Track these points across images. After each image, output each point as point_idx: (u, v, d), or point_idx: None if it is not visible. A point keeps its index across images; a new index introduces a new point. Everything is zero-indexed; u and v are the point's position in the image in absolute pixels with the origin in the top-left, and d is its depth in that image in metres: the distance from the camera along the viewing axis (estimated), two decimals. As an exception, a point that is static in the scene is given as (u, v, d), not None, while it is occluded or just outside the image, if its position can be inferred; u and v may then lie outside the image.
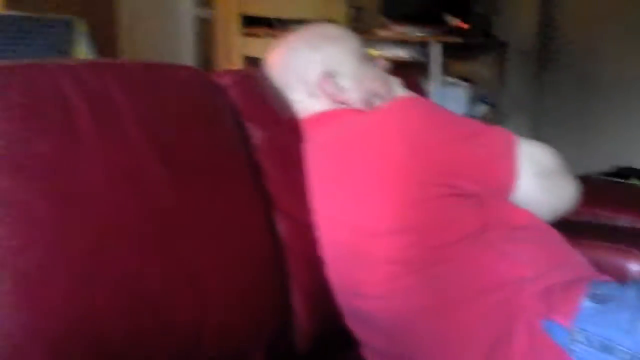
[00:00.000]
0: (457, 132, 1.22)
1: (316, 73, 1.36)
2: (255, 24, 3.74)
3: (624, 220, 2.09)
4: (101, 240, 1.01)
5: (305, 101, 1.37)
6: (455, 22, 3.81)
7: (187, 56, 5.74)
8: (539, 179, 1.23)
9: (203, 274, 1.11)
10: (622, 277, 1.23)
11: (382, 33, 3.84)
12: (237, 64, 3.06)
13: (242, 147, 1.26)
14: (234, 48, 3.05)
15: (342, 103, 1.36)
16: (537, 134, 3.75)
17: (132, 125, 1.08)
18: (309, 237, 1.29)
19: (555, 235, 1.25)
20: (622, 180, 2.64)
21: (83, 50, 3.24)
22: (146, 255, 1.05)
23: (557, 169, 1.26)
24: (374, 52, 3.74)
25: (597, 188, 2.40)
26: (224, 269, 1.14)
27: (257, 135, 1.29)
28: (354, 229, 1.22)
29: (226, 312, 1.13)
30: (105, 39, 4.89)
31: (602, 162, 3.05)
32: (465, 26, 3.74)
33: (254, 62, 3.25)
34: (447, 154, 1.19)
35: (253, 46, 3.08)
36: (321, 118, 1.35)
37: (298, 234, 1.28)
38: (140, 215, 1.05)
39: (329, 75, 1.35)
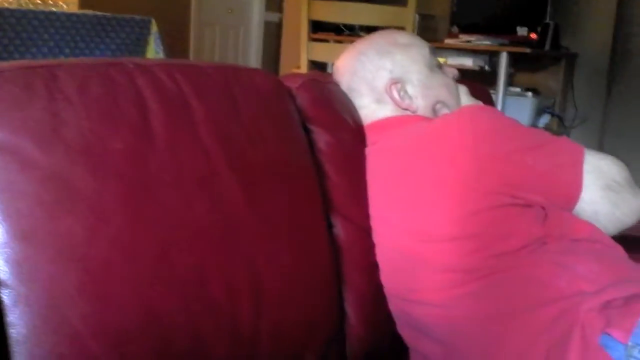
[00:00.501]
0: (523, 142, 1.21)
1: (384, 79, 1.37)
2: (323, 29, 3.77)
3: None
4: (168, 240, 1.01)
5: (372, 107, 1.38)
6: (524, 32, 3.78)
7: (255, 59, 5.83)
8: (605, 192, 1.21)
9: (263, 276, 1.11)
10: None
11: (451, 41, 3.83)
12: (304, 68, 3.08)
13: (308, 151, 1.27)
14: (301, 52, 3.07)
15: (408, 110, 1.37)
16: (602, 147, 3.68)
17: (204, 127, 1.09)
18: (366, 243, 1.30)
19: (618, 250, 1.23)
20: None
21: (154, 50, 3.32)
22: (211, 256, 1.06)
23: (624, 182, 1.24)
24: (440, 60, 3.74)
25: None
26: (283, 272, 1.15)
27: (322, 139, 1.30)
28: (413, 235, 1.22)
29: (282, 313, 1.14)
30: (176, 39, 5.00)
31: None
32: (534, 36, 3.69)
33: (320, 67, 3.28)
34: (512, 164, 1.18)
35: (320, 51, 3.09)
36: (386, 124, 1.36)
37: (356, 239, 1.29)
38: (207, 217, 1.06)
39: (397, 82, 1.37)
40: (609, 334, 1.08)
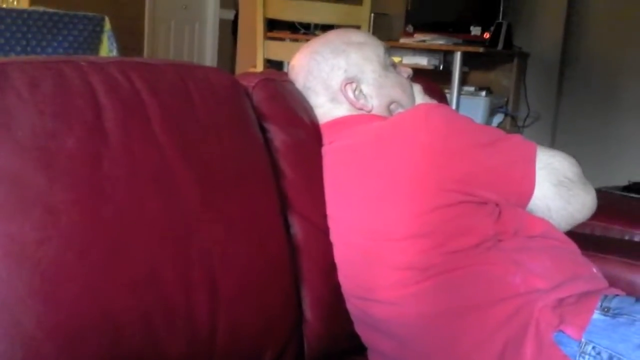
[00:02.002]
0: (477, 140, 1.23)
1: (339, 79, 1.37)
2: (279, 27, 3.76)
3: (637, 235, 2.09)
4: (121, 238, 1.00)
5: (327, 106, 1.38)
6: (477, 32, 3.82)
7: (210, 56, 5.79)
8: (557, 188, 1.23)
9: (219, 274, 1.11)
10: (634, 292, 1.23)
11: (406, 41, 3.86)
12: (260, 67, 3.07)
13: (264, 149, 1.27)
14: (257, 51, 3.06)
15: (363, 109, 1.37)
16: (554, 145, 3.75)
17: (158, 124, 1.09)
18: (323, 241, 1.29)
19: (571, 247, 1.26)
20: (637, 196, 2.63)
21: (107, 48, 3.28)
22: (165, 254, 1.05)
23: (576, 178, 1.26)
24: (395, 59, 3.76)
25: (611, 202, 2.40)
26: (239, 270, 1.14)
27: (277, 138, 1.30)
28: (370, 234, 1.23)
29: (239, 311, 1.13)
30: (130, 36, 4.95)
31: (619, 176, 3.04)
32: (487, 36, 3.74)
33: (276, 65, 3.28)
34: (467, 162, 1.19)
35: (276, 49, 3.09)
36: (341, 123, 1.36)
37: (313, 238, 1.29)
38: (162, 215, 1.06)
39: (352, 82, 1.37)
40: (562, 331, 1.09)
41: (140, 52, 5.25)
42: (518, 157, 1.23)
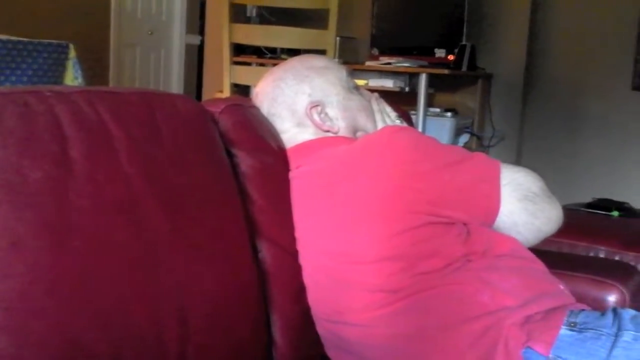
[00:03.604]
0: (442, 161, 1.24)
1: (304, 103, 1.38)
2: (245, 52, 3.78)
3: (602, 251, 2.13)
4: (88, 269, 0.99)
5: (293, 130, 1.39)
6: (442, 54, 3.88)
7: (176, 81, 5.78)
8: (522, 203, 1.25)
9: (188, 302, 1.10)
10: (600, 308, 1.25)
11: (371, 63, 3.90)
12: (227, 92, 3.07)
13: (232, 175, 1.27)
14: (224, 76, 3.06)
15: (330, 131, 1.38)
16: (519, 164, 3.80)
17: (125, 154, 1.08)
18: (292, 265, 1.30)
19: (538, 264, 1.27)
20: (602, 212, 2.67)
21: (72, 76, 3.25)
22: (134, 284, 1.04)
23: (541, 192, 1.27)
24: (361, 82, 3.80)
25: (577, 219, 2.44)
26: (208, 297, 1.14)
27: (245, 163, 1.30)
28: (340, 257, 1.23)
29: (209, 339, 1.13)
30: (95, 62, 4.92)
31: (583, 194, 3.09)
32: (452, 58, 3.80)
33: (243, 90, 3.29)
34: (432, 183, 1.21)
35: (243, 74, 3.09)
36: (308, 147, 1.37)
37: (281, 262, 1.29)
38: (129, 244, 1.05)
39: (317, 105, 1.38)
40: (531, 348, 1.11)
41: (105, 78, 5.22)
42: (483, 175, 1.25)
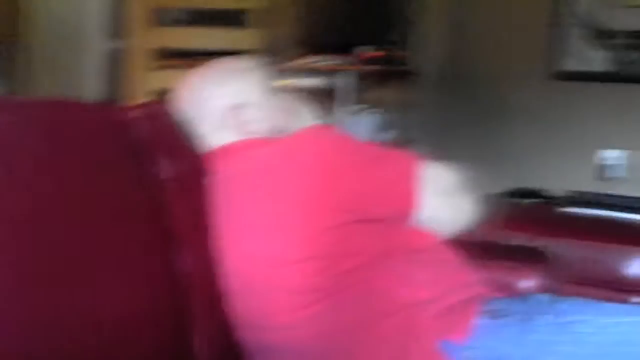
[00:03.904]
0: (362, 159, 1.26)
1: (223, 106, 1.38)
2: (167, 56, 3.73)
3: (518, 239, 2.19)
4: None
5: (214, 134, 1.38)
6: (368, 51, 3.91)
7: (95, 87, 5.66)
8: (441, 197, 1.28)
9: (103, 317, 1.08)
10: (514, 293, 1.29)
11: (297, 63, 3.90)
12: (150, 97, 3.03)
13: (147, 184, 1.24)
14: (146, 80, 3.03)
15: (250, 134, 1.38)
16: (443, 158, 3.86)
17: (30, 166, 1.05)
18: (211, 273, 1.28)
19: (454, 257, 1.30)
20: (519, 200, 2.75)
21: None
22: (44, 303, 1.01)
23: (457, 186, 1.31)
24: (288, 81, 3.80)
25: (496, 208, 2.50)
26: (124, 312, 1.12)
27: (165, 169, 1.28)
28: (264, 260, 1.23)
29: (123, 351, 1.11)
30: (4, 70, 4.77)
31: (505, 183, 3.18)
32: (378, 55, 3.83)
33: (165, 95, 3.25)
34: (353, 181, 1.22)
35: (165, 78, 3.06)
36: (230, 149, 1.36)
37: (200, 270, 1.27)
38: (35, 260, 1.02)
39: (237, 108, 1.37)
40: (448, 338, 1.14)
41: (16, 86, 5.06)
42: (402, 172, 1.27)
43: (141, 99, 3.19)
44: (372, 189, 1.24)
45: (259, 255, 1.24)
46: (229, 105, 1.38)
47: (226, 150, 1.37)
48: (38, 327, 1.00)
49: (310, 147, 1.25)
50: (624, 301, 2.00)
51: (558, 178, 3.53)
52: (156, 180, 1.27)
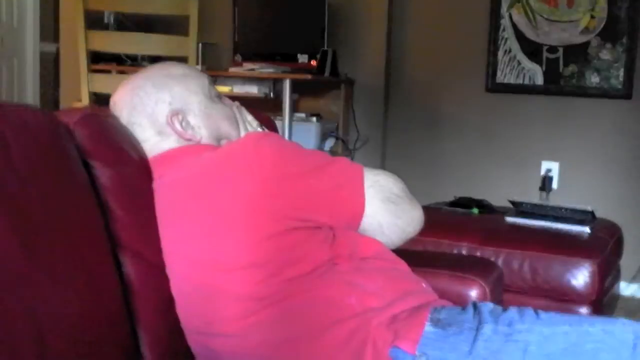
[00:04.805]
0: (305, 165, 1.25)
1: (164, 112, 1.36)
2: (104, 59, 3.66)
3: (464, 247, 2.22)
4: None
5: (154, 139, 1.36)
6: (304, 59, 3.91)
7: (32, 91, 5.52)
8: (385, 204, 1.28)
9: (47, 328, 1.04)
10: (462, 302, 1.30)
11: (235, 70, 3.88)
12: (85, 101, 2.96)
13: (88, 189, 1.22)
14: (82, 84, 2.95)
15: (192, 140, 1.36)
16: (383, 167, 3.90)
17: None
18: (158, 278, 1.27)
19: (402, 265, 1.31)
20: (463, 210, 2.79)
21: None
22: None
23: (402, 194, 1.31)
24: (225, 88, 3.77)
25: (440, 217, 2.54)
26: (69, 321, 1.09)
27: (104, 175, 1.25)
28: (207, 266, 1.22)
29: (71, 359, 1.08)
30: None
31: (445, 193, 3.22)
32: (315, 63, 3.84)
33: (103, 99, 3.18)
34: (297, 188, 1.21)
35: (102, 82, 2.99)
36: (171, 156, 1.34)
37: (147, 276, 1.26)
38: None
39: (178, 113, 1.35)
40: (397, 346, 1.13)
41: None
42: (346, 179, 1.27)
43: (77, 102, 3.12)
44: (317, 196, 1.23)
45: (202, 261, 1.23)
46: (169, 110, 1.36)
47: (168, 156, 1.35)
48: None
49: (252, 152, 1.23)
50: (570, 311, 2.05)
51: (497, 188, 3.60)
52: (99, 186, 1.24)
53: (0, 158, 1.07)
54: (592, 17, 3.62)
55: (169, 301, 1.27)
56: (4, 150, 1.09)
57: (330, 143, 3.95)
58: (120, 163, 1.29)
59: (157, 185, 1.31)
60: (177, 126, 1.35)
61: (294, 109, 3.78)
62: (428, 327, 1.15)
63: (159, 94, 1.37)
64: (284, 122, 3.53)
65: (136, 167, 1.31)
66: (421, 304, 1.22)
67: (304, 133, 3.65)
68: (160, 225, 1.29)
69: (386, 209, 1.28)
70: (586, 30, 3.64)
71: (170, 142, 1.36)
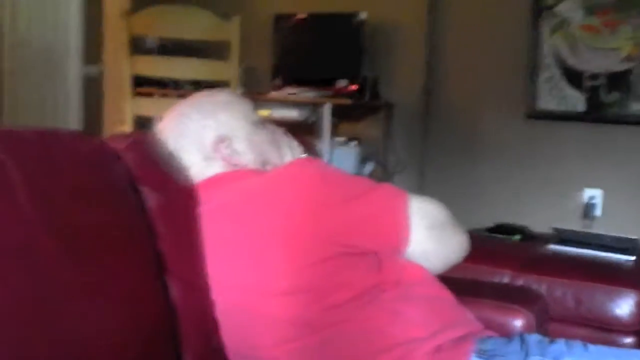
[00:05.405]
0: (351, 192, 1.25)
1: (211, 138, 1.37)
2: (147, 83, 3.71)
3: (505, 275, 2.20)
4: None
5: (200, 165, 1.37)
6: (344, 84, 3.93)
7: (74, 113, 5.61)
8: (430, 231, 1.27)
9: (93, 348, 1.06)
10: (507, 332, 1.28)
11: (275, 94, 3.91)
12: (129, 123, 3.01)
13: (137, 213, 1.24)
14: (125, 107, 3.00)
15: (238, 165, 1.37)
16: (422, 190, 3.88)
17: (23, 195, 1.03)
18: (202, 302, 1.27)
19: (446, 293, 1.30)
20: (503, 236, 2.76)
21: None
22: (34, 335, 0.99)
23: (447, 220, 1.30)
24: (265, 112, 3.80)
25: (479, 244, 2.51)
26: (115, 342, 1.10)
27: (152, 199, 1.27)
28: (250, 291, 1.22)
29: None
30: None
31: (484, 219, 3.19)
32: (354, 88, 3.86)
33: (145, 122, 3.22)
34: (342, 213, 1.21)
35: (145, 106, 3.04)
36: (217, 181, 1.36)
37: (192, 299, 1.26)
38: (28, 293, 1.00)
39: (224, 139, 1.37)
40: (441, 377, 1.12)
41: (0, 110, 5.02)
42: (391, 205, 1.27)
43: (120, 126, 3.17)
44: (361, 222, 1.23)
45: (246, 286, 1.23)
46: (215, 136, 1.37)
47: (213, 182, 1.36)
48: (33, 357, 0.98)
49: (296, 178, 1.24)
50: (613, 342, 2.01)
51: (537, 215, 3.56)
52: (147, 210, 1.26)
53: (52, 180, 1.10)
54: (635, 44, 3.59)
55: (213, 325, 1.27)
56: (55, 172, 1.11)
57: (369, 167, 3.95)
58: (167, 188, 1.30)
59: (203, 210, 1.32)
60: (223, 152, 1.37)
61: (333, 133, 3.79)
62: (473, 358, 1.14)
63: (205, 120, 1.39)
64: (323, 146, 3.54)
65: (183, 192, 1.33)
66: (466, 334, 1.21)
67: (343, 157, 3.66)
68: (207, 249, 1.29)
69: (431, 236, 1.27)
70: (629, 57, 3.60)
71: (216, 168, 1.37)
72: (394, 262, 1.26)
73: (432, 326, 1.19)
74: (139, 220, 1.24)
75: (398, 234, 1.25)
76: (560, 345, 1.17)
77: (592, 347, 1.16)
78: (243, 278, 1.24)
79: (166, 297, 1.24)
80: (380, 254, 1.25)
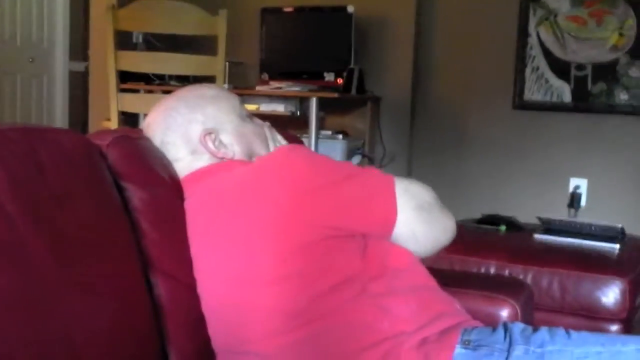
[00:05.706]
0: (337, 175, 1.25)
1: (198, 131, 1.37)
2: (132, 78, 3.70)
3: (492, 265, 2.21)
4: None
5: (187, 158, 1.38)
6: (331, 77, 3.93)
7: (61, 110, 5.60)
8: (418, 211, 1.27)
9: (79, 345, 1.06)
10: (493, 322, 1.29)
11: (262, 88, 3.90)
12: (114, 119, 2.99)
13: (121, 210, 1.24)
14: (111, 103, 2.98)
15: (225, 158, 1.37)
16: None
17: (7, 194, 1.03)
18: (189, 299, 1.27)
19: (433, 282, 1.30)
20: (491, 227, 2.77)
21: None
22: (20, 333, 0.99)
23: (434, 202, 1.31)
24: (252, 106, 3.80)
25: (467, 235, 2.53)
26: (101, 339, 1.10)
27: (136, 196, 1.27)
28: (238, 281, 1.22)
29: None
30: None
31: (472, 210, 3.20)
32: (341, 81, 3.86)
33: (131, 118, 3.21)
34: (329, 196, 1.22)
35: (131, 101, 3.02)
36: (204, 173, 1.36)
37: (178, 296, 1.27)
38: (13, 288, 0.99)
39: (211, 132, 1.37)
40: (428, 369, 1.13)
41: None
42: (378, 187, 1.27)
43: (108, 122, 3.15)
44: (349, 204, 1.24)
45: (235, 276, 1.23)
46: (202, 130, 1.38)
47: (202, 173, 1.36)
48: (13, 357, 0.98)
49: (281, 165, 1.25)
50: (599, 329, 2.02)
51: (524, 205, 3.58)
52: (131, 207, 1.26)
53: (36, 179, 1.10)
54: (621, 35, 3.60)
55: (199, 321, 1.28)
56: (40, 170, 1.11)
57: (356, 160, 3.96)
58: (151, 184, 1.30)
59: (188, 203, 1.33)
60: (210, 145, 1.37)
61: (320, 126, 3.79)
62: (459, 349, 1.14)
63: (192, 114, 1.39)
64: (310, 140, 3.54)
65: (168, 189, 1.32)
66: (452, 325, 1.21)
67: (330, 150, 3.66)
68: (192, 242, 1.30)
69: (419, 217, 1.27)
70: (615, 48, 3.62)
71: (203, 161, 1.37)
72: (380, 246, 1.25)
73: (420, 320, 1.19)
74: (123, 217, 1.23)
75: (385, 214, 1.25)
76: (543, 333, 1.17)
77: (574, 334, 1.17)
78: (232, 269, 1.23)
79: (152, 294, 1.24)
80: (368, 236, 1.25)
